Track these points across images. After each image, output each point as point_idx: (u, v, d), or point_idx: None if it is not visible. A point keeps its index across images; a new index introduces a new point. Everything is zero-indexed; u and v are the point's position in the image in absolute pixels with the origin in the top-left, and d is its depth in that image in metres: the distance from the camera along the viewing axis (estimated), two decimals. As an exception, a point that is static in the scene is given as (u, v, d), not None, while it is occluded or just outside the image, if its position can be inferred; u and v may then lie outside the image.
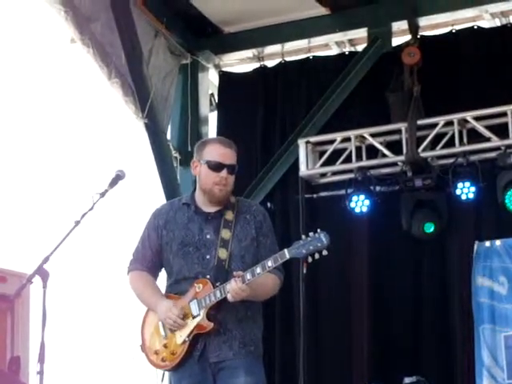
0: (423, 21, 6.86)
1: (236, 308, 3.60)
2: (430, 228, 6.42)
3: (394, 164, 6.67)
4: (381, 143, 6.69)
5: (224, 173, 3.68)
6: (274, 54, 7.43)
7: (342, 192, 6.68)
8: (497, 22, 6.86)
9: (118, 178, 3.76)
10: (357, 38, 7.20)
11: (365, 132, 6.71)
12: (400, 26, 6.89)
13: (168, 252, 3.73)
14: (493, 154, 6.33)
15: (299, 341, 6.62)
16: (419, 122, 6.48)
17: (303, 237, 3.51)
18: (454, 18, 6.85)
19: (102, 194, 3.69)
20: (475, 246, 6.33)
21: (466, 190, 6.29)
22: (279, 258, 3.53)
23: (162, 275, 3.87)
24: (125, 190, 3.93)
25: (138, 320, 3.81)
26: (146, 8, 6.79)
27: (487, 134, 6.36)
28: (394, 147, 6.64)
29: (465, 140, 6.45)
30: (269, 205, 6.95)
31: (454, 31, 6.88)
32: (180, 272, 3.68)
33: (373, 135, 6.69)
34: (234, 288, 3.49)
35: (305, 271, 6.54)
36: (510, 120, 6.27)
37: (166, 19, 6.97)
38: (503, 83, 6.47)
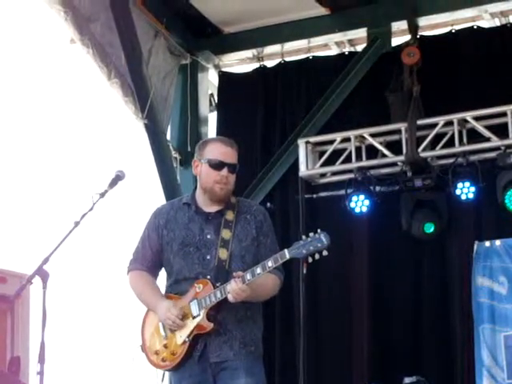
0: (423, 21, 6.86)
1: (236, 308, 3.60)
2: (430, 228, 6.42)
3: (394, 164, 6.67)
4: (380, 143, 6.69)
5: (225, 171, 3.68)
6: (273, 54, 7.43)
7: (342, 192, 6.68)
8: (496, 22, 6.85)
9: (118, 178, 3.77)
10: (356, 38, 7.20)
11: (364, 132, 6.71)
12: (400, 26, 6.89)
13: (168, 252, 3.73)
14: (493, 154, 6.32)
15: (299, 341, 6.62)
16: (419, 122, 6.48)
17: (303, 237, 3.52)
18: (454, 17, 6.85)
19: (102, 195, 3.69)
20: (475, 246, 6.33)
21: (465, 190, 6.29)
22: (279, 258, 3.53)
23: (162, 275, 3.87)
24: (125, 190, 3.93)
25: (138, 320, 3.81)
26: (145, 8, 6.79)
27: (487, 133, 6.36)
28: (394, 147, 6.64)
29: (465, 140, 6.45)
30: (268, 205, 6.95)
31: (453, 31, 6.88)
32: (180, 272, 3.68)
33: (372, 135, 6.69)
34: (234, 289, 3.49)
35: (305, 271, 6.55)
36: (510, 120, 6.27)
37: (165, 19, 6.97)
38: (503, 83, 6.47)
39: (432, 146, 6.54)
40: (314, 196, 6.97)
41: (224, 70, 7.60)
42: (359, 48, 7.17)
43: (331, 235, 3.50)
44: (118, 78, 6.43)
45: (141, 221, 3.92)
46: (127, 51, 6.44)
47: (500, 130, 6.33)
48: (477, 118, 6.38)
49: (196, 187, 3.80)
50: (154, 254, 3.78)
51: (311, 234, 3.51)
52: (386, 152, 6.65)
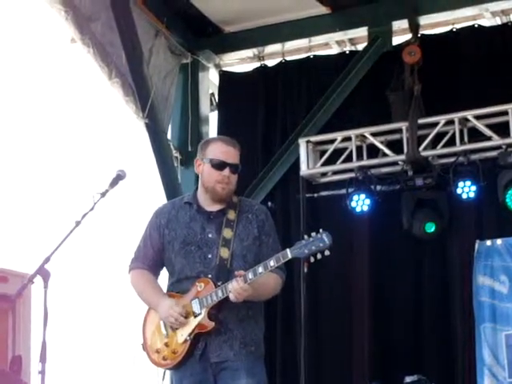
0: (424, 20, 6.86)
1: (237, 307, 3.59)
2: (431, 228, 6.42)
3: (395, 163, 6.67)
4: (381, 142, 6.69)
5: (227, 171, 3.68)
6: (274, 54, 7.43)
7: (343, 191, 6.68)
8: (497, 21, 6.85)
9: (119, 177, 3.77)
10: (357, 37, 7.19)
11: (365, 131, 6.71)
12: (400, 24, 6.89)
13: (170, 251, 3.73)
14: (494, 153, 6.32)
15: (300, 340, 6.62)
16: (420, 121, 6.48)
17: (305, 237, 3.51)
18: (455, 16, 6.85)
19: (103, 194, 3.69)
20: (476, 245, 6.32)
21: (466, 189, 6.29)
22: (281, 257, 3.52)
23: (163, 274, 3.87)
24: (125, 189, 3.93)
25: (139, 319, 3.81)
26: (146, 7, 6.79)
27: (488, 132, 6.36)
28: (395, 146, 6.64)
29: (465, 139, 6.45)
30: (270, 204, 6.94)
31: (454, 30, 6.87)
32: (182, 271, 3.68)
33: (373, 134, 6.69)
34: (235, 288, 3.49)
35: (306, 271, 6.55)
36: (511, 119, 6.26)
37: (166, 19, 6.97)
38: (504, 82, 6.46)
39: (433, 145, 6.54)
40: (315, 195, 6.97)
41: (225, 69, 7.60)
42: (360, 47, 7.17)
43: (332, 234, 3.50)
44: (119, 78, 6.43)
45: (142, 220, 3.92)
46: (128, 51, 6.44)
47: (501, 129, 6.32)
48: (478, 117, 6.38)
49: (198, 186, 3.80)
50: (155, 253, 3.78)
51: (313, 234, 3.51)
52: (386, 151, 6.65)
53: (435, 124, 6.49)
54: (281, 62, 7.38)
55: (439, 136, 6.51)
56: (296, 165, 6.93)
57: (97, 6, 6.30)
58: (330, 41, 7.25)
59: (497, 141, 6.32)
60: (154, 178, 6.79)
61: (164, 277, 3.86)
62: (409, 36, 6.82)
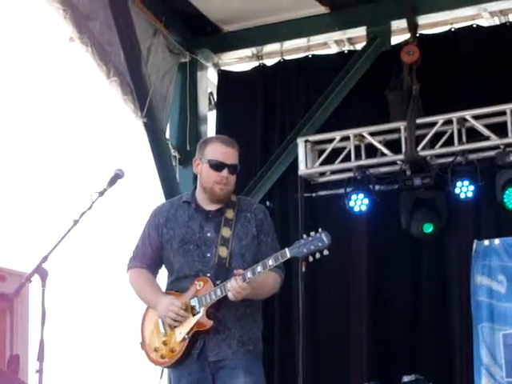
0: (422, 19, 6.86)
1: (236, 306, 3.60)
2: (429, 228, 6.42)
3: (393, 163, 6.67)
4: (380, 142, 6.69)
5: (225, 172, 3.68)
6: (273, 53, 7.43)
7: (341, 191, 6.68)
8: (496, 21, 6.85)
9: (117, 176, 3.76)
10: (356, 37, 7.19)
11: (364, 131, 6.71)
12: (399, 24, 6.88)
13: (168, 250, 3.73)
14: (492, 153, 6.33)
15: (298, 340, 6.62)
16: (418, 121, 6.48)
17: (304, 236, 3.51)
18: (453, 16, 6.84)
19: (101, 193, 3.69)
20: (474, 245, 6.33)
21: (464, 189, 6.29)
22: (280, 256, 3.53)
23: (162, 273, 3.87)
24: (124, 188, 3.93)
25: (137, 317, 3.81)
26: (144, 6, 6.79)
27: (486, 132, 6.36)
28: (393, 146, 6.64)
29: (464, 139, 6.45)
30: (268, 203, 6.94)
31: (453, 30, 6.87)
32: (181, 270, 3.68)
33: (372, 134, 6.69)
34: (234, 286, 3.49)
35: (304, 270, 6.55)
36: (509, 119, 6.27)
37: (164, 17, 6.97)
38: (502, 82, 6.47)
39: (431, 144, 6.54)
40: (314, 195, 6.97)
41: (223, 68, 7.59)
42: (359, 46, 7.17)
43: (330, 234, 3.50)
44: (117, 77, 6.43)
45: (140, 219, 3.92)
46: (126, 49, 6.43)
47: (499, 129, 6.33)
48: (476, 117, 6.39)
49: (196, 185, 3.80)
50: (153, 252, 3.78)
51: (312, 233, 3.51)
52: (385, 151, 6.65)
53: (433, 124, 6.49)
54: (279, 61, 7.38)
55: (437, 136, 6.52)
56: (294, 164, 6.93)
57: (95, 5, 6.30)
58: (328, 40, 7.25)
59: (495, 141, 6.32)
60: (152, 177, 6.79)
61: (163, 276, 3.86)
62: (407, 36, 6.82)
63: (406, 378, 6.04)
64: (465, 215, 6.50)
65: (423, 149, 6.47)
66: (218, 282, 3.57)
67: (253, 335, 3.68)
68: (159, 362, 3.70)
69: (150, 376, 3.92)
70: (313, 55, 7.30)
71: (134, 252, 3.84)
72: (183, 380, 3.65)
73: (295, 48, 7.37)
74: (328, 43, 7.28)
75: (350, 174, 6.65)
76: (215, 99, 7.62)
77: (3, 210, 7.27)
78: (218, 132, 7.29)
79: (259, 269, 3.52)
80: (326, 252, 3.50)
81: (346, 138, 6.75)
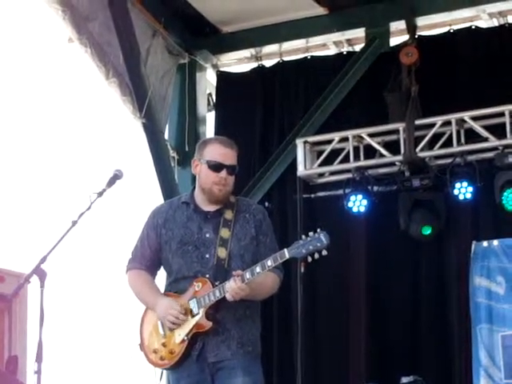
0: (421, 21, 6.86)
1: (235, 307, 3.60)
2: (427, 230, 6.43)
3: (392, 164, 6.68)
4: (379, 143, 6.70)
5: (224, 173, 3.68)
6: (271, 54, 7.43)
7: (340, 192, 6.69)
8: (494, 22, 6.86)
9: (116, 177, 3.77)
10: (355, 38, 7.19)
11: (363, 132, 6.71)
12: (398, 25, 6.89)
13: (167, 251, 3.73)
14: (490, 154, 6.33)
15: (297, 340, 6.62)
16: (417, 122, 6.49)
17: (303, 236, 3.51)
18: (452, 17, 6.85)
19: (100, 194, 3.69)
20: (473, 246, 6.33)
21: (463, 190, 6.30)
22: (279, 257, 3.53)
23: (161, 275, 3.86)
24: (122, 189, 3.92)
25: (136, 319, 3.81)
26: (143, 7, 6.79)
27: (485, 134, 6.36)
28: (392, 147, 6.64)
29: (462, 140, 6.46)
30: (267, 204, 6.94)
31: (451, 31, 6.88)
32: (179, 271, 3.68)
33: (371, 135, 6.70)
34: (233, 287, 3.49)
35: (303, 270, 6.55)
36: (508, 120, 6.27)
37: (163, 19, 6.97)
38: (501, 83, 6.47)
39: (430, 145, 6.55)
40: (312, 196, 6.97)
41: (222, 69, 7.60)
42: (357, 48, 7.17)
43: (329, 235, 3.50)
44: (116, 78, 6.43)
45: (139, 220, 3.92)
46: (125, 50, 6.44)
47: (498, 130, 6.33)
48: (475, 118, 6.39)
49: (195, 186, 3.80)
50: (152, 253, 3.78)
51: (311, 234, 3.51)
52: (383, 152, 6.65)
53: (432, 125, 6.50)
54: (278, 62, 7.38)
55: (436, 137, 6.52)
56: (293, 165, 6.93)
57: (94, 6, 6.30)
58: (327, 41, 7.25)
59: (493, 142, 6.33)
60: (151, 178, 6.79)
61: (162, 277, 3.86)
62: (406, 37, 6.83)
63: (404, 379, 6.04)
64: (463, 216, 6.50)
65: (422, 150, 6.48)
66: (216, 283, 3.57)
67: (252, 336, 3.68)
68: (158, 363, 3.70)
69: (149, 378, 3.92)
70: (312, 56, 7.30)
71: (132, 253, 3.84)
72: (182, 381, 3.65)
73: (294, 49, 7.37)
74: (327, 44, 7.29)
75: (349, 175, 6.65)
76: (214, 100, 7.63)
77: (2, 210, 7.26)
78: (216, 133, 7.29)
79: (258, 269, 3.52)
80: (324, 252, 3.50)
81: (345, 139, 6.76)
